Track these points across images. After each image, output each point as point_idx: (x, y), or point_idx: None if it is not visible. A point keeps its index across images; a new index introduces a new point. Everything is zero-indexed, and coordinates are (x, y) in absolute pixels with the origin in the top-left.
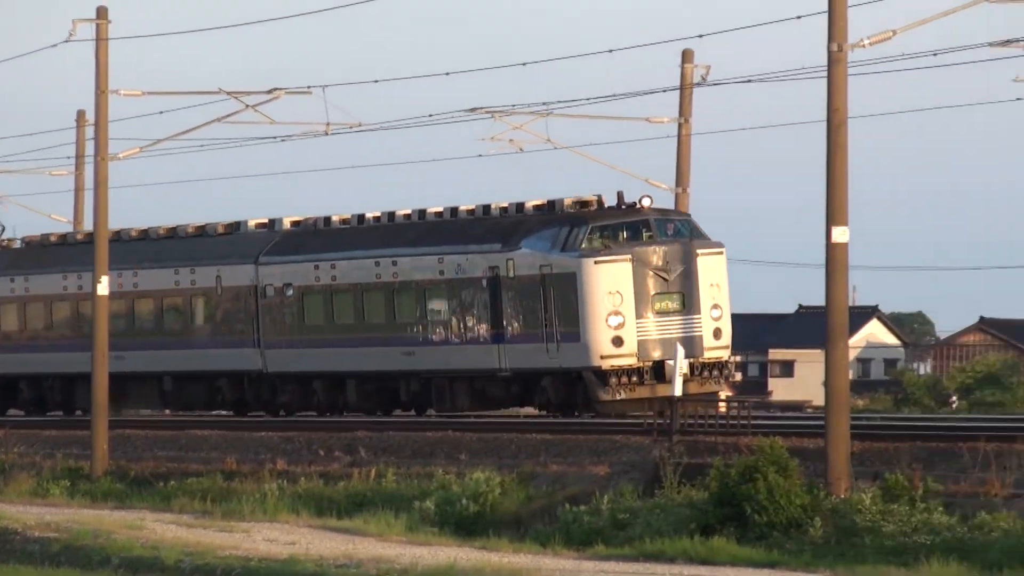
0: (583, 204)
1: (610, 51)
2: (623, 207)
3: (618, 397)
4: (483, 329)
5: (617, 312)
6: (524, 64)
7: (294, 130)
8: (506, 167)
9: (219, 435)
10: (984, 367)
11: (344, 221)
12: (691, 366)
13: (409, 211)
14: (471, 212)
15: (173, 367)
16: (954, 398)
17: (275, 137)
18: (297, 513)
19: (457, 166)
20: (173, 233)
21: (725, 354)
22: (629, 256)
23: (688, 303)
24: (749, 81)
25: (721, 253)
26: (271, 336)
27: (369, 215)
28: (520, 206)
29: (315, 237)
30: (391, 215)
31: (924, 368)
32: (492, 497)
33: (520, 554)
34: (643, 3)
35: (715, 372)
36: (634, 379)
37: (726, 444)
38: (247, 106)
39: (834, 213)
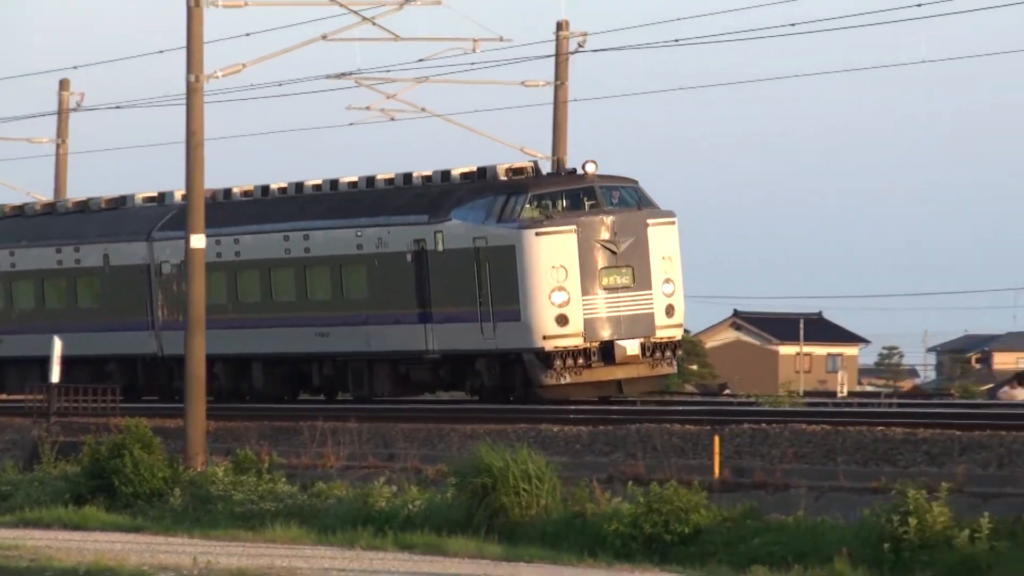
0: (517, 172)
1: None
2: (563, 173)
3: (563, 381)
4: (408, 308)
5: (561, 288)
6: None
7: None
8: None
9: None
10: None
11: (246, 193)
12: (642, 346)
13: (319, 181)
14: (390, 181)
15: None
16: None
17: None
18: None
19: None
20: (52, 209)
21: (678, 333)
22: (574, 227)
23: (639, 277)
24: (119, 107)
25: (673, 223)
26: (168, 317)
27: (274, 186)
28: (446, 174)
29: (215, 210)
30: (299, 186)
31: None
32: None
33: None
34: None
35: (667, 353)
36: (580, 361)
37: (98, 424)
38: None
39: (193, 223)
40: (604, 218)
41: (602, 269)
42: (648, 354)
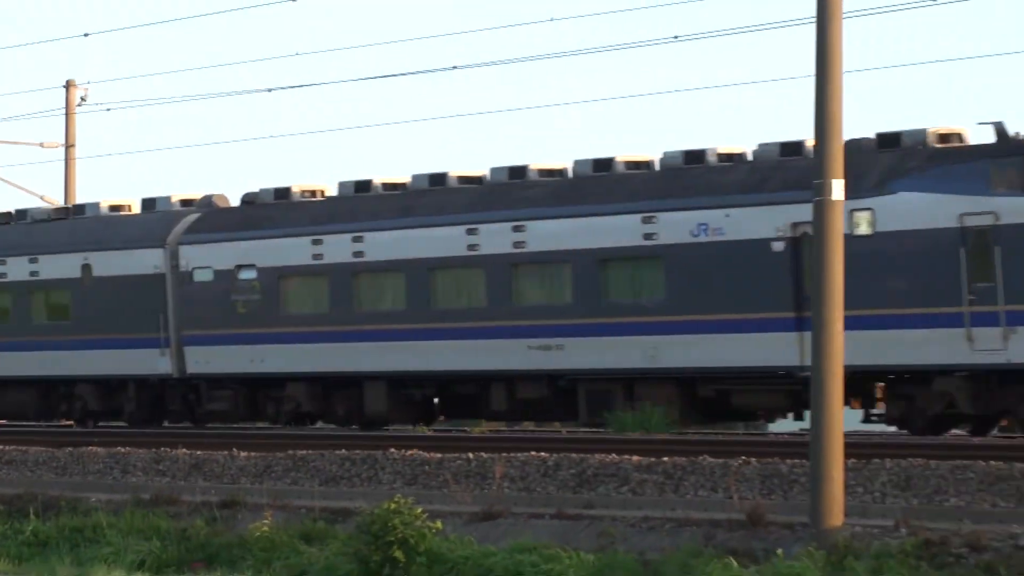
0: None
1: None
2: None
3: None
4: (773, 310)
5: None
6: None
7: None
8: None
9: None
10: None
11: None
12: None
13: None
14: (695, 158)
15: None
16: None
17: None
18: None
19: None
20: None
21: None
22: None
23: None
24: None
25: None
26: (194, 330)
27: (454, 174)
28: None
29: (288, 210)
30: (519, 170)
31: None
32: None
33: None
34: None
35: None
36: None
37: None
38: None
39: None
40: None
41: None
42: None
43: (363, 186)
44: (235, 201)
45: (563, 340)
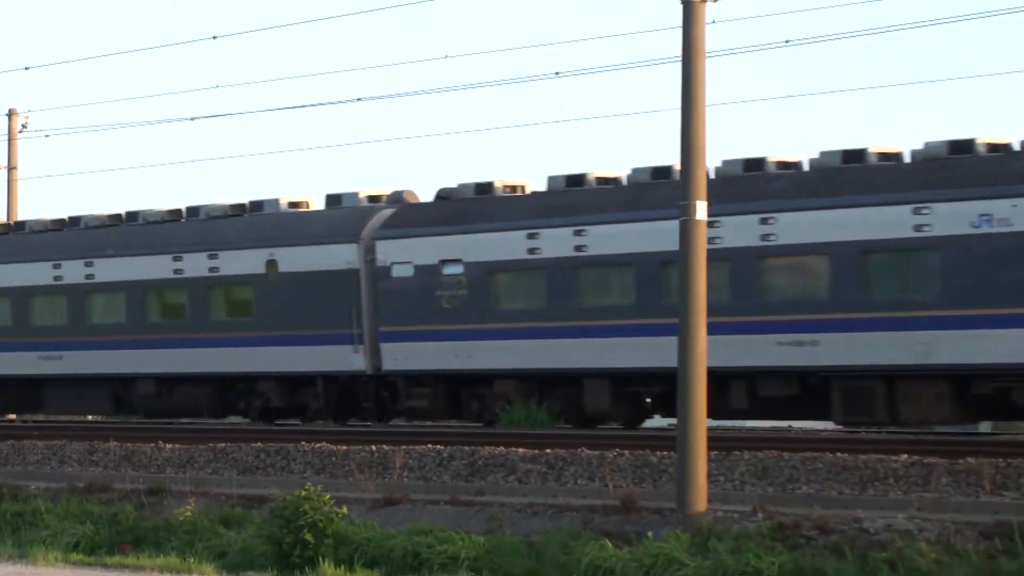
0: None
1: None
2: None
3: None
4: None
5: None
6: None
7: None
8: None
9: None
10: None
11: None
12: None
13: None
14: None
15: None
16: None
17: None
18: None
19: None
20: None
21: None
22: None
23: None
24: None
25: None
26: (392, 326)
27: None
28: None
29: (497, 204)
30: (761, 162)
31: None
32: None
33: None
34: None
35: None
36: None
37: None
38: None
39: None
40: None
41: None
42: None
43: (576, 180)
44: (426, 197)
45: (817, 335)
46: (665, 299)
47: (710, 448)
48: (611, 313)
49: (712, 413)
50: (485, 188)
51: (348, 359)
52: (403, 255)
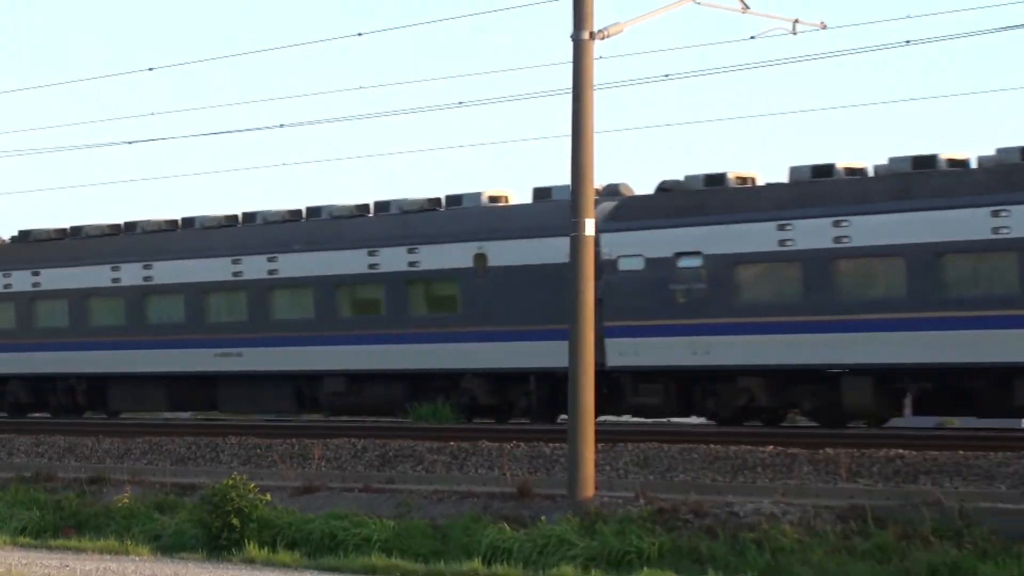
0: None
1: None
2: None
3: None
4: None
5: None
6: None
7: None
8: None
9: None
10: None
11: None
12: None
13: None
14: None
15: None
16: None
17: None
18: None
19: None
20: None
21: None
22: None
23: None
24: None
25: None
26: (619, 320)
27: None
28: None
29: (737, 196)
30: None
31: None
32: None
33: None
34: None
35: None
36: None
37: None
38: None
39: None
40: None
41: None
42: None
43: (823, 171)
44: (641, 190)
45: None
46: (941, 292)
47: (597, 440)
48: (876, 306)
49: (995, 412)
50: (717, 179)
51: (566, 355)
52: (632, 248)
